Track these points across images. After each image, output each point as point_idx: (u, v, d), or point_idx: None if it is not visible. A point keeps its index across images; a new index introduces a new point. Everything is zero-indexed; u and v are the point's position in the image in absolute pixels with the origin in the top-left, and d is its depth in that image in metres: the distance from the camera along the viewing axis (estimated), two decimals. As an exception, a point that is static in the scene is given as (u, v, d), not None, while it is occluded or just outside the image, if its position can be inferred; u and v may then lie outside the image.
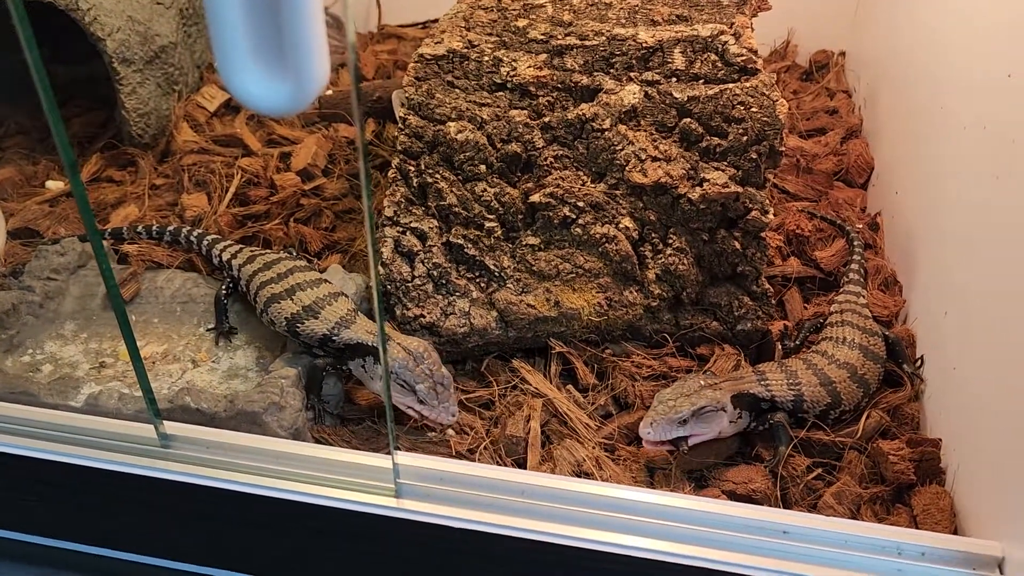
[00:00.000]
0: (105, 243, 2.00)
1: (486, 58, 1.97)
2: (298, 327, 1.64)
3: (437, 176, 1.84)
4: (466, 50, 2.00)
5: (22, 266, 1.98)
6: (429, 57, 2.00)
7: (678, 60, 1.90)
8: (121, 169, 2.33)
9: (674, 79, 1.88)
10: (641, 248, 1.79)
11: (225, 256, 1.88)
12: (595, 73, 1.92)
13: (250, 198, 2.17)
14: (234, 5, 0.89)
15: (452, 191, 1.83)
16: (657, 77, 1.89)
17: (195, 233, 1.99)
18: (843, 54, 2.83)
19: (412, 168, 1.87)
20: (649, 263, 1.78)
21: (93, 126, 2.49)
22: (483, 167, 1.84)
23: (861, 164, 2.34)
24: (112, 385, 1.62)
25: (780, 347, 1.80)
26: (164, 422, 1.41)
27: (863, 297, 1.86)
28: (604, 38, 1.95)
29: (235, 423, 1.51)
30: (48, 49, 2.57)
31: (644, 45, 1.91)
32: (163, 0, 2.42)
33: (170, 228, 2.02)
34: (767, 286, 1.81)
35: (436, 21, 3.00)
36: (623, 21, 2.03)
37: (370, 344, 1.60)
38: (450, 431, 1.64)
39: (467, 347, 1.80)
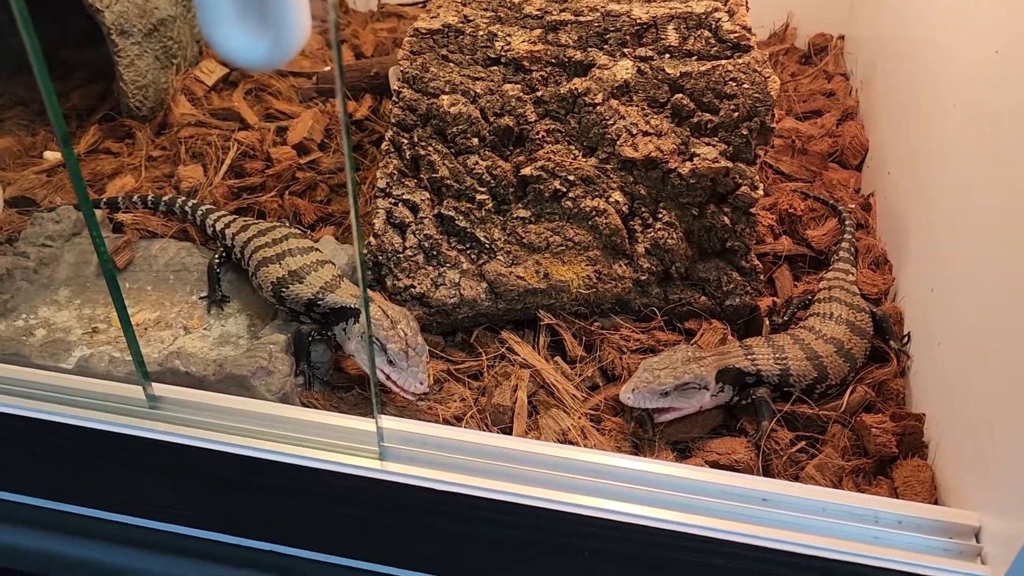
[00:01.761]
0: (101, 212, 2.02)
1: (481, 33, 1.98)
2: (283, 291, 1.66)
3: (430, 149, 1.85)
4: (461, 24, 2.01)
5: (18, 233, 1.99)
6: (424, 31, 2.01)
7: (671, 36, 1.90)
8: (119, 141, 2.34)
9: (667, 55, 1.89)
10: (631, 222, 1.80)
11: (219, 226, 1.90)
12: (589, 48, 1.93)
13: (246, 170, 2.18)
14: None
15: (444, 164, 1.84)
16: (650, 53, 1.89)
17: (190, 204, 2.00)
18: (842, 38, 2.82)
19: (405, 141, 1.88)
20: (639, 237, 1.79)
21: (92, 98, 2.51)
22: (475, 140, 1.85)
23: (856, 146, 2.34)
24: (103, 349, 1.64)
25: (768, 323, 1.81)
26: (153, 384, 1.43)
27: (852, 275, 1.87)
28: (598, 14, 1.96)
29: (223, 387, 1.53)
30: (56, 30, 2.59)
31: (638, 21, 1.92)
32: (162, -27, 2.43)
33: (165, 198, 2.03)
34: (756, 262, 1.82)
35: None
36: (619, -2, 2.03)
37: (353, 307, 1.62)
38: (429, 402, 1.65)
39: (457, 318, 1.81)
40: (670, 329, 1.80)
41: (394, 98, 1.93)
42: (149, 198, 2.04)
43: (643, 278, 1.80)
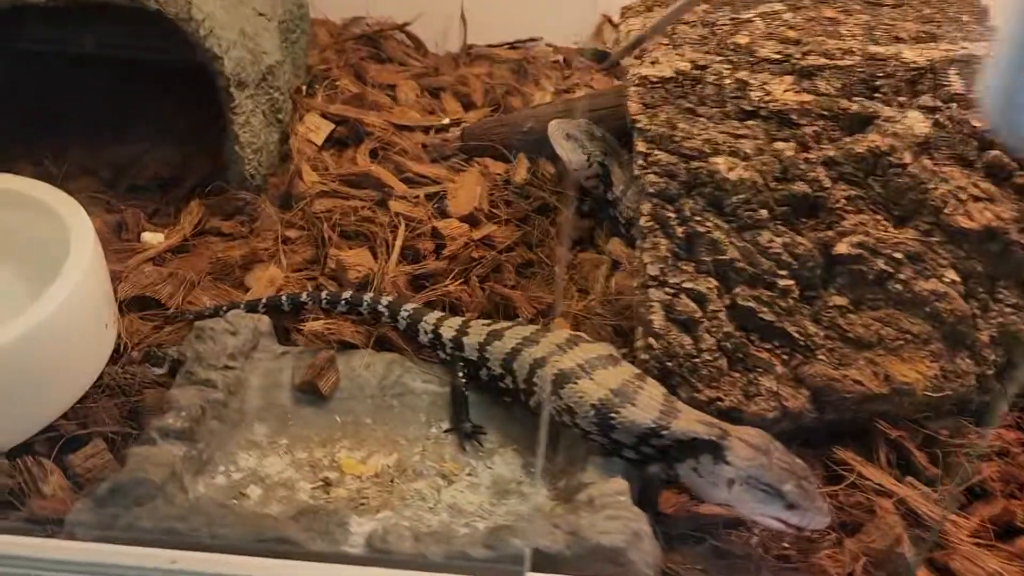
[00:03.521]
0: (255, 317, 1.54)
1: (727, 81, 1.66)
2: (612, 417, 1.27)
3: (708, 224, 1.51)
4: (697, 72, 1.69)
5: (159, 348, 1.52)
6: (655, 80, 1.68)
7: (956, 83, 1.64)
8: (227, 218, 1.88)
9: (954, 104, 1.62)
10: (967, 305, 1.51)
11: (446, 333, 1.49)
12: (855, 97, 1.64)
13: (420, 252, 1.77)
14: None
15: (732, 243, 1.51)
16: (936, 103, 1.62)
17: (384, 302, 1.57)
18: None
19: (672, 215, 1.53)
20: (979, 324, 1.50)
21: (171, 166, 2.02)
22: (764, 212, 1.52)
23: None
24: (384, 517, 1.21)
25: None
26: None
27: None
28: (858, 57, 1.68)
29: (584, 564, 1.13)
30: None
31: (912, 65, 1.65)
32: (265, 11, 1.99)
33: (345, 296, 1.59)
34: (1096, 345, 1.57)
35: (532, 40, 2.68)
36: (860, 37, 1.76)
37: (710, 439, 1.25)
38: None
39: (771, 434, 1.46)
40: (1018, 428, 1.52)
41: (640, 162, 1.58)
42: (324, 296, 1.60)
43: (988, 372, 1.50)
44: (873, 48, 1.69)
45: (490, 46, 2.64)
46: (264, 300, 1.59)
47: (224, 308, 1.56)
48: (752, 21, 1.85)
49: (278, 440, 1.38)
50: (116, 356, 1.52)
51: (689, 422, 1.27)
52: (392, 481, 1.33)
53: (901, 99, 1.64)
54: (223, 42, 1.76)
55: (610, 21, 2.66)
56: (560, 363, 1.33)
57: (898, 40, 1.75)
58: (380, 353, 1.53)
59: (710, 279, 1.50)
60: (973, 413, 1.53)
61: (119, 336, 1.54)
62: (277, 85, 1.99)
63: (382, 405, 1.45)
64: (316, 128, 2.10)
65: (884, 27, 1.79)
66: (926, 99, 1.63)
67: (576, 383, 1.30)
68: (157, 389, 1.46)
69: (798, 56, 1.71)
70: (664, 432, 1.26)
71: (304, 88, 2.24)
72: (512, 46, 2.66)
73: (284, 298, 1.59)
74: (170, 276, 1.66)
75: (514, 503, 1.31)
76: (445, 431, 1.42)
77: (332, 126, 2.13)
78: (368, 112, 2.18)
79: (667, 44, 1.81)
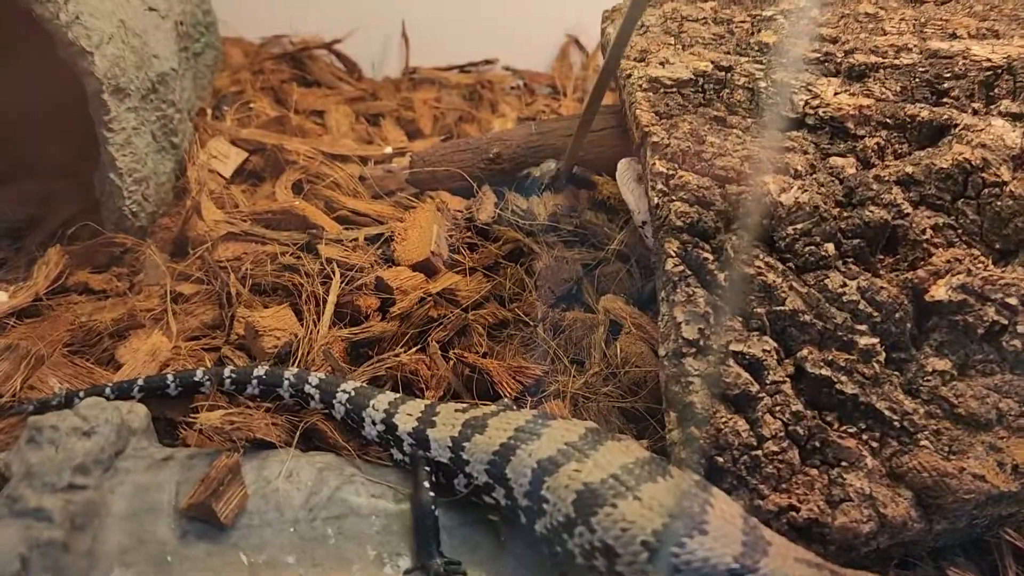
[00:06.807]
0: (126, 408, 1.08)
1: (761, 83, 1.29)
2: (675, 555, 0.84)
3: (759, 265, 1.12)
4: (720, 73, 1.32)
5: (-21, 459, 1.04)
6: (668, 83, 1.29)
7: (1043, 85, 1.29)
8: (99, 270, 1.42)
9: (1042, 112, 1.27)
10: (1099, 367, 1.13)
11: (403, 423, 1.04)
12: (917, 102, 1.29)
13: (361, 311, 1.33)
14: None
15: (791, 288, 1.11)
16: (1022, 108, 1.27)
17: (314, 380, 1.12)
18: None
19: (709, 256, 1.13)
20: (1114, 391, 1.13)
21: (27, 204, 1.56)
22: (829, 246, 1.13)
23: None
24: None
25: None
26: None
27: None
28: (917, 55, 1.33)
29: None
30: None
31: (986, 64, 1.30)
32: (157, 6, 1.56)
33: (259, 373, 1.14)
34: None
35: (487, 63, 2.28)
36: (911, 34, 1.41)
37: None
38: None
39: (860, 554, 1.05)
40: None
41: (660, 186, 1.18)
42: (228, 374, 1.14)
43: None
44: (934, 44, 1.34)
45: (437, 69, 2.24)
46: (141, 382, 1.13)
47: (80, 395, 1.09)
48: (775, 19, 1.50)
49: (152, 599, 0.91)
50: (-86, 469, 1.03)
51: (786, 560, 0.85)
52: (328, 656, 0.87)
53: (975, 104, 1.29)
54: (94, 34, 1.31)
55: (577, 43, 2.30)
56: (581, 474, 0.90)
57: (954, 37, 1.40)
58: (308, 454, 1.08)
59: (766, 339, 1.10)
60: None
61: (-78, 438, 1.06)
62: (172, 100, 1.54)
63: (311, 535, 0.98)
64: (223, 156, 1.66)
65: (935, 23, 1.45)
66: (1008, 104, 1.28)
67: (615, 506, 0.86)
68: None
69: (840, 55, 1.35)
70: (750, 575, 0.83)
71: (210, 111, 1.80)
72: (463, 69, 2.27)
73: (171, 378, 1.13)
74: (7, 350, 1.18)
75: None
76: (406, 573, 0.96)
77: (244, 155, 1.69)
78: (291, 139, 1.75)
79: (673, 43, 1.44)
